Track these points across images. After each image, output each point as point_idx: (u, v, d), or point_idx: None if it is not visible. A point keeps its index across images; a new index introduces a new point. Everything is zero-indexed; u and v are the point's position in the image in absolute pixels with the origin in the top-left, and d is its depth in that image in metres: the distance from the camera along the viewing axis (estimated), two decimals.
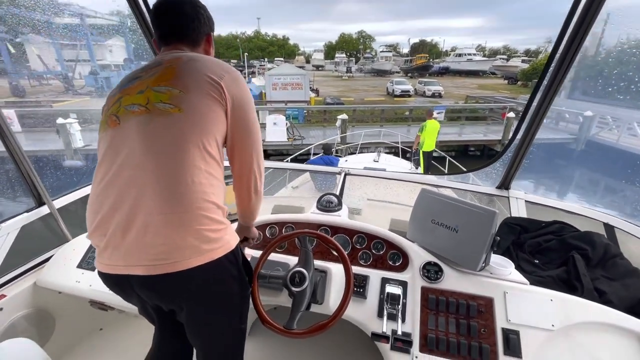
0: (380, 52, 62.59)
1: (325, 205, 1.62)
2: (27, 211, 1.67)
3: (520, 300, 1.13)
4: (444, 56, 66.36)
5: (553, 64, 1.46)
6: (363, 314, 1.21)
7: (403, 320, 1.15)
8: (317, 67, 57.40)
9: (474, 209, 1.17)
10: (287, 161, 6.63)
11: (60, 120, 7.68)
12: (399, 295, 1.20)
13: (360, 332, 1.22)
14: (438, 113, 13.34)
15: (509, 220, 1.79)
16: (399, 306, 1.17)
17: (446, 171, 6.96)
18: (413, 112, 15.52)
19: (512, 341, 1.06)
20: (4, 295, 1.50)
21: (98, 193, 0.90)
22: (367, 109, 16.84)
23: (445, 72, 47.58)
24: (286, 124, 11.84)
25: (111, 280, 0.93)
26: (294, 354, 1.68)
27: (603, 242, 1.50)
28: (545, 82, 1.53)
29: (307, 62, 65.99)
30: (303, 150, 8.44)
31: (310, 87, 20.58)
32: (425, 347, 1.11)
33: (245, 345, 1.16)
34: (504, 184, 2.03)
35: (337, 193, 2.17)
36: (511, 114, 12.40)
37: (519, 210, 1.95)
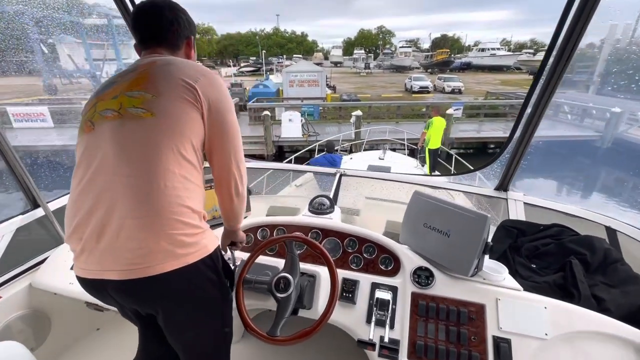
0: (400, 47, 61.46)
1: (317, 208, 1.60)
2: (22, 213, 1.68)
3: (513, 307, 1.10)
4: (466, 51, 64.35)
5: (551, 58, 1.40)
6: (351, 319, 1.19)
7: (392, 327, 1.14)
8: (335, 64, 57.08)
9: (466, 213, 1.14)
10: (291, 160, 6.58)
11: None
12: (389, 301, 1.18)
13: (351, 337, 1.20)
14: (455, 109, 13.02)
15: (506, 223, 1.74)
16: (388, 312, 1.15)
17: (452, 169, 6.78)
18: (430, 109, 15.24)
19: (502, 350, 1.03)
20: None
21: (75, 198, 0.90)
22: (382, 105, 16.66)
23: (467, 67, 46.20)
24: (301, 120, 11.96)
25: (88, 285, 0.93)
26: (285, 358, 1.67)
27: (603, 247, 1.44)
28: (542, 78, 1.46)
29: (326, 58, 65.84)
30: (309, 147, 8.38)
31: (327, 84, 20.59)
32: (413, 355, 1.08)
33: (238, 348, 1.15)
34: (502, 185, 1.97)
35: (332, 194, 2.16)
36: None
37: (517, 213, 1.90)
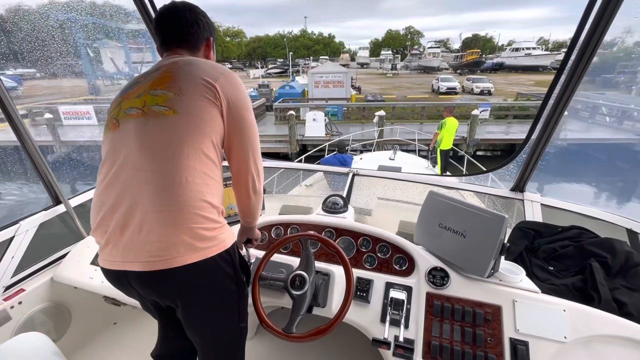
0: (428, 48, 60.03)
1: (330, 207, 1.61)
2: (45, 209, 1.74)
3: (530, 310, 1.08)
4: (499, 51, 61.77)
5: (573, 56, 1.37)
6: (366, 318, 1.20)
7: (406, 327, 1.14)
8: (362, 65, 56.87)
9: (482, 214, 1.12)
10: (301, 160, 6.57)
11: None
12: (403, 301, 1.18)
13: (364, 336, 1.21)
14: (482, 111, 12.62)
15: (522, 225, 1.71)
16: (403, 312, 1.15)
17: (464, 170, 6.60)
18: (456, 109, 14.88)
19: (520, 352, 1.01)
20: (23, 290, 1.57)
21: (100, 193, 0.94)
22: (406, 106, 16.46)
23: (499, 68, 44.26)
24: (325, 120, 12.11)
25: (111, 276, 0.97)
26: (299, 355, 1.69)
27: (624, 250, 1.40)
28: (563, 76, 1.44)
29: (352, 59, 65.67)
30: (320, 146, 8.31)
31: (352, 85, 20.63)
32: (428, 355, 1.08)
33: (251, 344, 1.18)
34: (519, 187, 1.94)
35: (345, 194, 2.17)
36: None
37: (533, 214, 1.85)
